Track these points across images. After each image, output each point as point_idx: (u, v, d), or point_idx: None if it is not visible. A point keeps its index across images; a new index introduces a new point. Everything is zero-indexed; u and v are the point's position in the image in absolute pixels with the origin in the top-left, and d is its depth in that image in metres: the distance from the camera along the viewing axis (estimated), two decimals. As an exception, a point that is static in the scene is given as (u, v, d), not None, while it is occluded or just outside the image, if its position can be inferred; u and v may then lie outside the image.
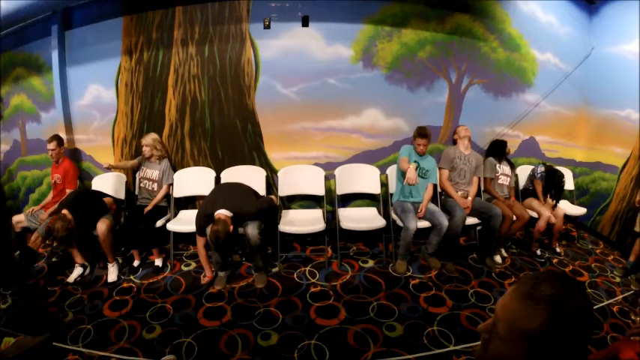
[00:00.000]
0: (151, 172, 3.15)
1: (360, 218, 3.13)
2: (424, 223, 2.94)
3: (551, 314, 0.58)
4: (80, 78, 3.35)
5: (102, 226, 2.73)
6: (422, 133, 2.99)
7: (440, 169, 3.22)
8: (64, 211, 2.58)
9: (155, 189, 3.14)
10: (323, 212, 3.28)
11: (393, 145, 3.44)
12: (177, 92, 3.29)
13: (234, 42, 3.20)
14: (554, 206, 3.29)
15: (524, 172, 3.61)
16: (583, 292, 0.62)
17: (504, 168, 3.30)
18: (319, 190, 3.27)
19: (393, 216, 3.08)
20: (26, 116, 3.64)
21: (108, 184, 3.23)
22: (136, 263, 2.98)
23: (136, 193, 3.23)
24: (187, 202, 3.42)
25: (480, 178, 3.26)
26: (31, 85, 3.55)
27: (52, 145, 3.00)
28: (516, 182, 3.56)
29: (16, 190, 3.85)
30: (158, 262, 3.00)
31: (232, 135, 3.35)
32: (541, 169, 3.38)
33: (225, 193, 2.72)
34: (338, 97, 3.30)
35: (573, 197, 3.74)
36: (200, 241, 2.64)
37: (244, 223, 2.64)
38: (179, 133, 3.37)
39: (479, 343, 0.72)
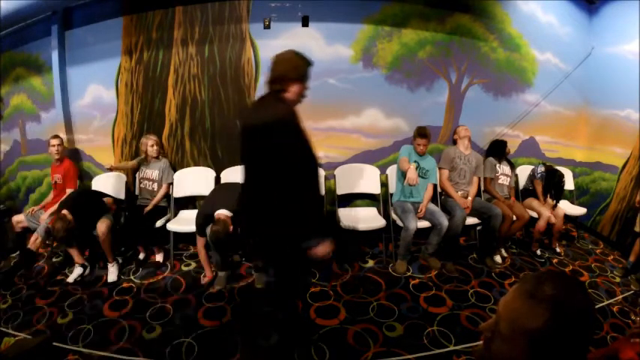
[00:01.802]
0: (151, 172, 3.14)
1: (360, 218, 3.13)
2: (424, 223, 2.94)
3: (553, 313, 0.58)
4: (80, 78, 3.35)
5: (102, 226, 2.72)
6: (422, 133, 2.99)
7: (440, 169, 3.22)
8: (64, 212, 2.58)
9: (155, 189, 3.14)
10: (323, 212, 3.28)
11: (393, 145, 3.44)
12: (177, 92, 3.29)
13: (234, 42, 3.20)
14: (554, 206, 3.29)
15: (524, 172, 3.61)
16: (585, 292, 0.62)
17: (504, 168, 3.29)
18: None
19: (393, 216, 3.08)
20: (26, 116, 3.64)
21: (108, 184, 3.23)
22: (141, 256, 3.04)
23: (137, 193, 3.22)
24: (187, 202, 3.41)
25: (480, 178, 3.26)
26: (31, 85, 3.55)
27: (56, 141, 3.02)
28: (516, 182, 3.56)
29: (16, 190, 3.85)
30: (159, 257, 3.05)
31: (232, 135, 3.34)
32: (541, 169, 3.38)
33: (225, 193, 2.71)
34: (338, 97, 3.30)
35: (573, 197, 3.74)
36: (200, 241, 2.64)
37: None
38: (179, 133, 3.36)
39: (479, 342, 0.72)
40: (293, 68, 1.54)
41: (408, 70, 3.34)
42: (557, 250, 3.28)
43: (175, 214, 3.19)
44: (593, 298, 2.56)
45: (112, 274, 2.78)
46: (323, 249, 1.56)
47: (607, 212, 3.60)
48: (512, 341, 0.62)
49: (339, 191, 3.25)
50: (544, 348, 0.59)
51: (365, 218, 3.14)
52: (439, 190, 3.28)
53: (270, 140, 1.42)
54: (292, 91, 1.56)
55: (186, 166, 3.39)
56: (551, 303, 0.59)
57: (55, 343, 1.99)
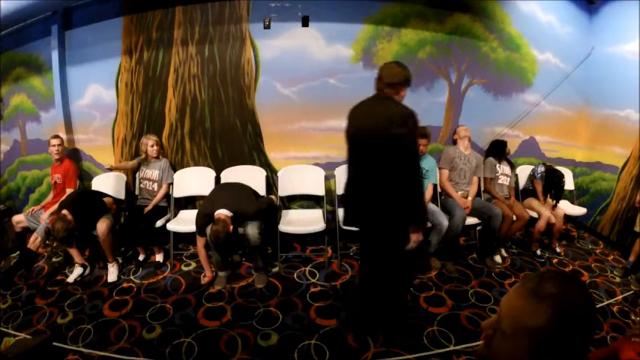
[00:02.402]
0: (151, 172, 3.15)
1: (360, 218, 3.12)
2: (424, 223, 2.94)
3: (555, 311, 0.58)
4: (80, 78, 3.35)
5: (102, 226, 2.72)
6: (422, 133, 2.97)
7: (440, 169, 3.22)
8: (64, 212, 2.58)
9: (155, 189, 3.14)
10: (323, 212, 3.28)
11: (393, 145, 3.44)
12: (177, 92, 3.29)
13: (234, 42, 3.20)
14: (554, 206, 3.29)
15: (524, 172, 3.61)
16: (587, 291, 0.63)
17: (504, 168, 3.30)
18: (319, 190, 3.27)
19: (393, 216, 3.08)
20: (26, 116, 3.64)
21: (108, 184, 3.23)
22: (141, 257, 3.03)
23: (137, 193, 3.23)
24: (187, 202, 3.41)
25: (480, 178, 3.26)
26: (31, 85, 3.55)
27: (56, 141, 3.02)
28: (516, 182, 3.56)
29: (16, 190, 3.85)
30: (159, 257, 3.04)
31: (232, 135, 3.35)
32: (541, 169, 3.38)
33: (225, 193, 2.72)
34: (338, 97, 3.30)
35: (573, 197, 3.74)
36: (200, 241, 2.64)
37: (244, 223, 2.64)
38: (179, 133, 3.36)
39: (480, 342, 0.72)
40: (403, 76, 1.86)
41: (408, 70, 3.34)
42: (557, 250, 3.28)
43: (175, 214, 3.19)
44: (594, 298, 2.56)
45: (112, 274, 2.78)
46: (417, 236, 1.83)
47: (607, 212, 3.60)
48: (514, 339, 0.62)
49: (340, 191, 3.24)
50: (546, 346, 0.59)
51: (365, 218, 3.13)
52: (439, 190, 3.28)
53: (399, 133, 1.70)
54: (401, 94, 1.90)
55: (186, 166, 3.39)
56: (553, 301, 0.59)
57: (55, 343, 1.99)
